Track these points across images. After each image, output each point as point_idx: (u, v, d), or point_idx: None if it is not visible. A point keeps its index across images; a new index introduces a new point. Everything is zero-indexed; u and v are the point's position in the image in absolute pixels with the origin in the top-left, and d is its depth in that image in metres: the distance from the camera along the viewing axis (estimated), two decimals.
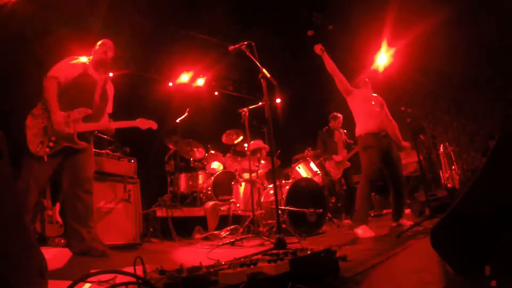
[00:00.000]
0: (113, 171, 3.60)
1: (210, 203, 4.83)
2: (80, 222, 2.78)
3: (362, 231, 3.22)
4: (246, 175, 4.82)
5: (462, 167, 6.34)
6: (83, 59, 2.97)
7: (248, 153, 4.41)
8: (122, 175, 3.66)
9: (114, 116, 3.18)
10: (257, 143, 5.08)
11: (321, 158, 5.70)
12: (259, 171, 4.77)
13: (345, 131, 6.02)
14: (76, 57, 2.94)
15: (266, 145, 5.07)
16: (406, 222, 3.83)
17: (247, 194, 4.46)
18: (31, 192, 2.62)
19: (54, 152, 2.67)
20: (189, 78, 7.41)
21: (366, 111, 3.70)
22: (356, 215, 3.44)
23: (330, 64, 3.63)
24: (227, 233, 4.17)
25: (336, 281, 1.42)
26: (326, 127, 5.97)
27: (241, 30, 6.31)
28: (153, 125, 3.20)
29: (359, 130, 3.73)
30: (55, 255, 2.74)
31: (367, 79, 3.93)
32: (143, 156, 5.12)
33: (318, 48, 3.61)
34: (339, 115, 5.95)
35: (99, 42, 3.07)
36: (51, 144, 2.65)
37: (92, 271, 1.25)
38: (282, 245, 2.35)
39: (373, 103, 3.77)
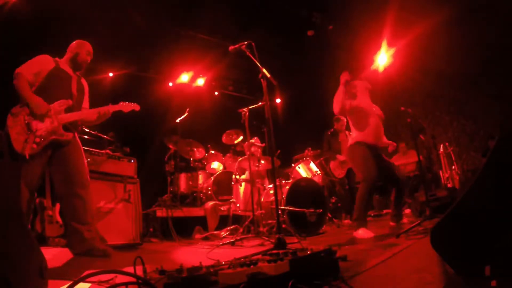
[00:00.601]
0: (113, 171, 3.59)
1: (210, 203, 4.83)
2: (79, 221, 2.74)
3: (362, 232, 3.22)
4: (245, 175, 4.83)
5: (462, 167, 6.34)
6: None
7: (247, 152, 4.41)
8: (122, 175, 3.66)
9: (114, 116, 3.15)
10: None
11: (321, 158, 5.70)
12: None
13: (350, 133, 6.02)
14: (44, 55, 2.90)
15: (258, 141, 5.07)
16: (407, 220, 3.83)
17: (247, 194, 4.46)
18: (23, 194, 2.57)
19: (42, 147, 2.61)
20: (189, 78, 7.41)
21: (367, 122, 3.65)
22: (356, 218, 3.41)
23: (340, 96, 3.53)
24: (227, 233, 4.17)
25: (336, 281, 1.42)
26: (332, 129, 5.98)
27: (241, 30, 6.32)
28: (136, 107, 3.15)
29: (355, 138, 3.63)
30: (55, 255, 2.73)
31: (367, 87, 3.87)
32: (143, 156, 5.12)
33: (344, 77, 3.53)
34: (342, 117, 5.94)
35: (79, 43, 3.03)
36: (37, 139, 2.58)
37: (92, 271, 1.25)
38: (282, 245, 2.35)
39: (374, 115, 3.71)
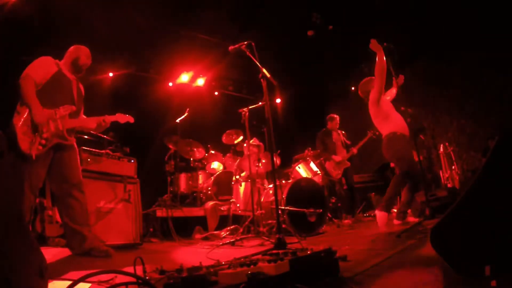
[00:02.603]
0: (113, 171, 3.59)
1: (210, 203, 4.83)
2: (80, 222, 2.76)
3: (379, 216, 3.23)
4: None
5: (462, 167, 6.34)
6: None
7: (248, 152, 4.41)
8: (122, 175, 3.66)
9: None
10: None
11: (321, 158, 5.70)
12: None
13: (343, 132, 6.02)
14: (47, 56, 2.90)
15: (256, 141, 5.07)
16: (412, 220, 3.84)
17: (247, 194, 4.46)
18: (27, 196, 2.57)
19: (47, 150, 2.63)
20: (189, 78, 7.41)
21: (397, 116, 3.75)
22: (386, 201, 3.53)
23: (382, 64, 3.59)
24: (227, 233, 4.16)
25: (336, 281, 1.42)
26: (324, 129, 5.98)
27: (241, 30, 6.31)
28: (130, 119, 3.19)
29: (392, 128, 3.72)
30: (55, 255, 2.73)
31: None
32: (143, 156, 5.12)
33: (375, 44, 3.58)
34: (335, 116, 5.96)
35: (77, 47, 3.05)
36: (43, 141, 2.60)
37: (92, 271, 1.25)
38: (282, 245, 2.35)
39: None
